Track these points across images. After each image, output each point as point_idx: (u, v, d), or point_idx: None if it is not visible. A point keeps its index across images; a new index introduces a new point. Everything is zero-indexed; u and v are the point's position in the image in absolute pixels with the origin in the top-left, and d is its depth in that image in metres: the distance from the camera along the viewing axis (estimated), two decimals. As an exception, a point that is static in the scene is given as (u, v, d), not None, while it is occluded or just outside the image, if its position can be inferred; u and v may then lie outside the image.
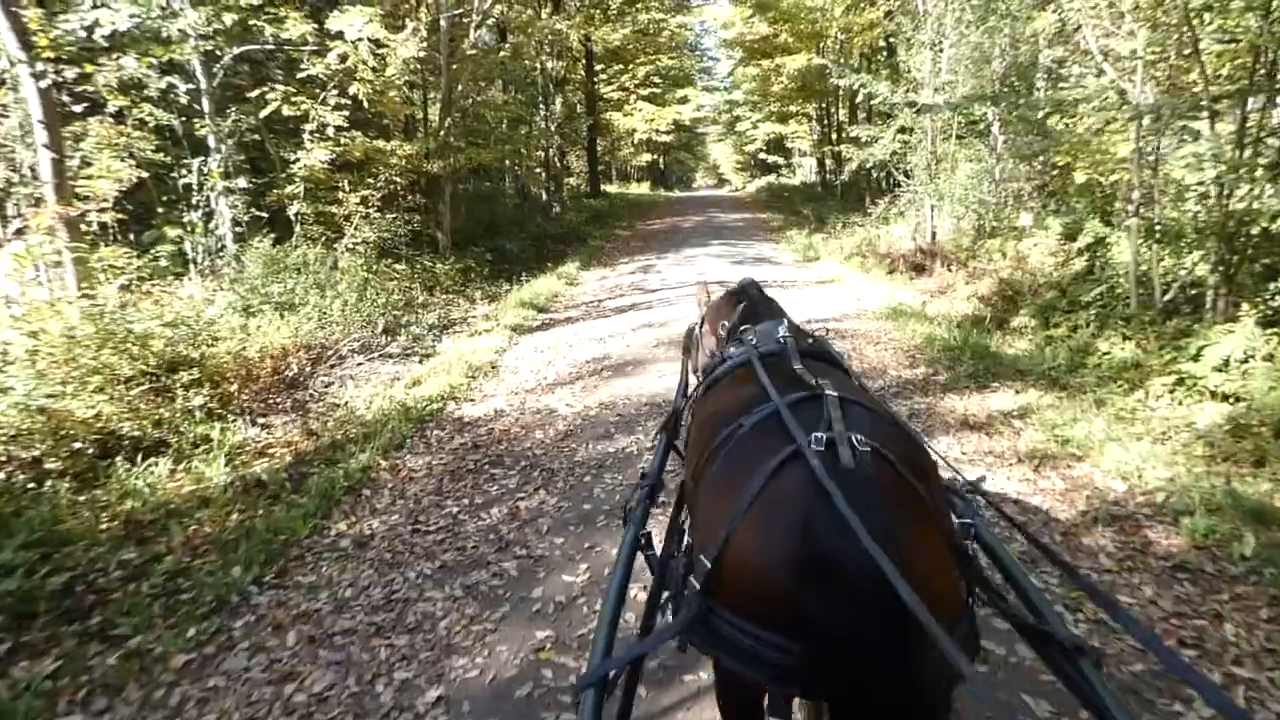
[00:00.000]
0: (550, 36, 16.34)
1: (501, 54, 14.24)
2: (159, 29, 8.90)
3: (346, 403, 6.23)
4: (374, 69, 10.04)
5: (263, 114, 9.77)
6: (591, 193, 28.31)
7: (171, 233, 7.95)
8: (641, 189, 39.53)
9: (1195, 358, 5.85)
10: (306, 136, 10.13)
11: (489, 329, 8.70)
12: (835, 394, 1.52)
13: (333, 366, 7.41)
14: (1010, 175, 14.13)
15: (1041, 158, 13.75)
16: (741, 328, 2.30)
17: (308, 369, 7.17)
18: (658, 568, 1.83)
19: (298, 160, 9.93)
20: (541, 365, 7.22)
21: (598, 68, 28.04)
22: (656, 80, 31.03)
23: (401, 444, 5.26)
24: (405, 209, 12.18)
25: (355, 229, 10.58)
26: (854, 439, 1.35)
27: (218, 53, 9.99)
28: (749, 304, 2.57)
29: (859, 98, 24.94)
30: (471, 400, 6.30)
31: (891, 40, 21.25)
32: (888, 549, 1.13)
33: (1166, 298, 7.21)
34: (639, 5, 24.72)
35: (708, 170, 67.20)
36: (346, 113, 10.41)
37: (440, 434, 5.49)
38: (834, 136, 29.07)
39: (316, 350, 7.50)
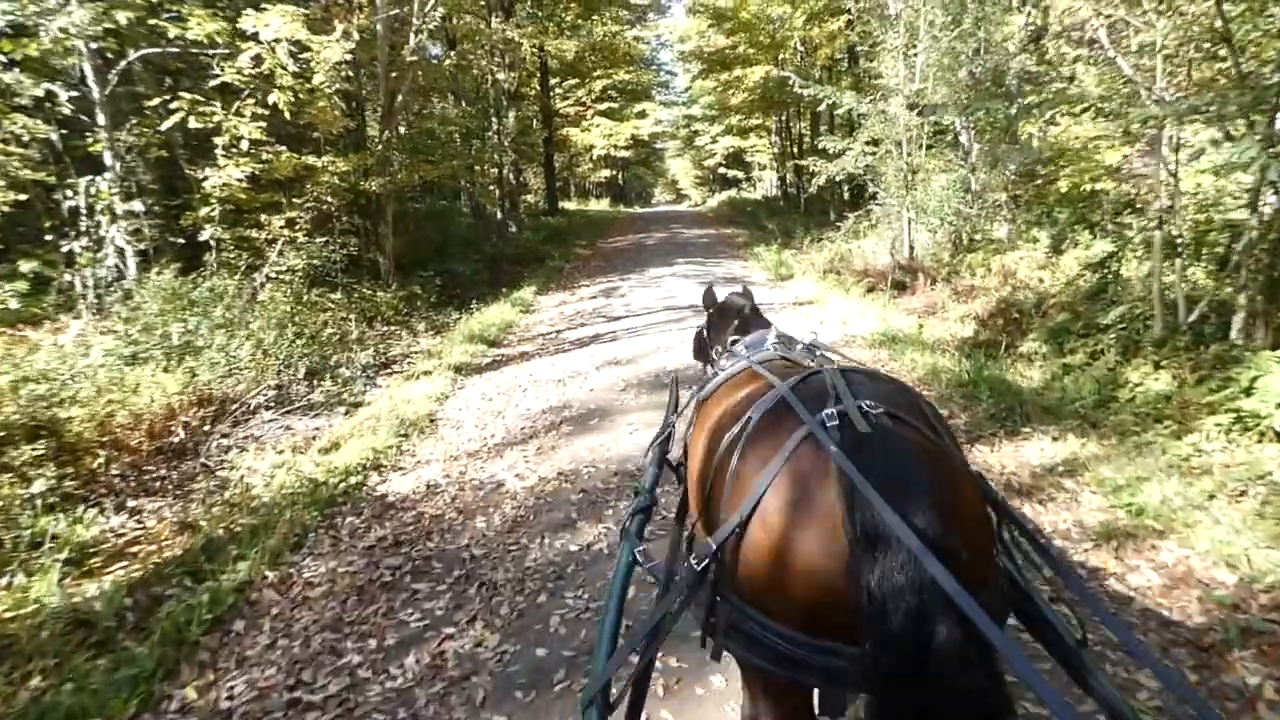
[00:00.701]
0: (501, 46, 15.20)
1: (446, 62, 13.05)
2: (35, 27, 7.57)
3: (242, 477, 4.96)
4: (296, 74, 8.80)
5: (165, 126, 8.45)
6: (550, 210, 27.16)
7: (26, 265, 6.56)
8: (601, 205, 38.50)
9: (1248, 391, 4.93)
10: (220, 151, 8.83)
11: (431, 369, 7.47)
12: (833, 366, 1.59)
13: (236, 425, 6.12)
14: (986, 185, 13.40)
15: (1013, 166, 13.08)
16: (731, 340, 2.36)
17: (204, 429, 5.88)
18: (662, 578, 1.80)
19: (208, 179, 8.60)
20: (489, 417, 6.03)
21: (553, 82, 26.97)
22: (614, 94, 30.07)
23: (301, 540, 4.03)
24: (341, 232, 10.90)
25: (279, 255, 9.27)
26: (864, 405, 1.33)
27: (109, 55, 8.67)
28: (739, 317, 2.64)
29: (822, 109, 24.31)
30: (401, 469, 5.08)
31: (856, 49, 20.60)
32: (937, 514, 1.14)
33: (1191, 319, 6.33)
34: (594, 18, 23.72)
35: (666, 186, 66.52)
36: (265, 125, 9.14)
37: (355, 522, 4.27)
38: (795, 149, 28.42)
39: (217, 405, 6.21)
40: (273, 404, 6.61)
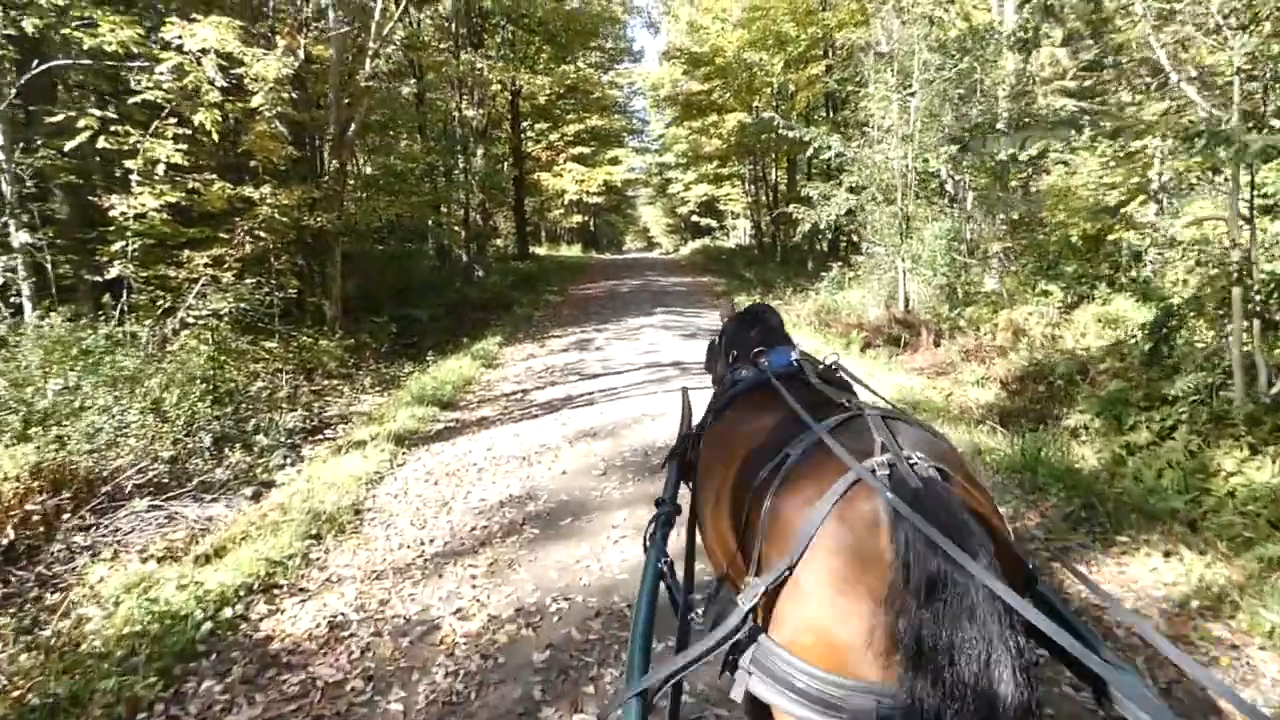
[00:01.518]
0: (470, 80, 14.14)
1: (406, 90, 11.90)
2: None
3: (69, 608, 3.53)
4: (227, 93, 7.55)
5: (70, 146, 7.11)
6: (520, 255, 26.00)
7: None
8: (573, 251, 37.49)
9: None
10: (135, 177, 7.49)
11: (368, 438, 6.10)
12: (875, 411, 1.52)
13: (103, 513, 4.68)
14: (978, 235, 12.57)
15: (1009, 215, 12.28)
16: (755, 351, 2.26)
17: (57, 521, 4.44)
18: (681, 600, 1.90)
19: (113, 207, 7.24)
20: (431, 510, 4.66)
21: (525, 125, 26.08)
22: (586, 139, 29.32)
23: (122, 732, 2.63)
24: (279, 272, 9.55)
25: (198, 297, 7.86)
26: (914, 458, 1.32)
27: (7, 65, 7.33)
28: (762, 329, 2.53)
29: (803, 155, 23.71)
30: (303, 591, 3.69)
31: (835, 95, 20.04)
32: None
33: (1275, 390, 5.28)
34: (566, 59, 22.95)
35: (637, 233, 66.10)
36: (193, 150, 7.85)
37: (214, 691, 2.87)
38: (771, 197, 27.81)
39: (79, 486, 4.77)
40: (159, 485, 5.17)
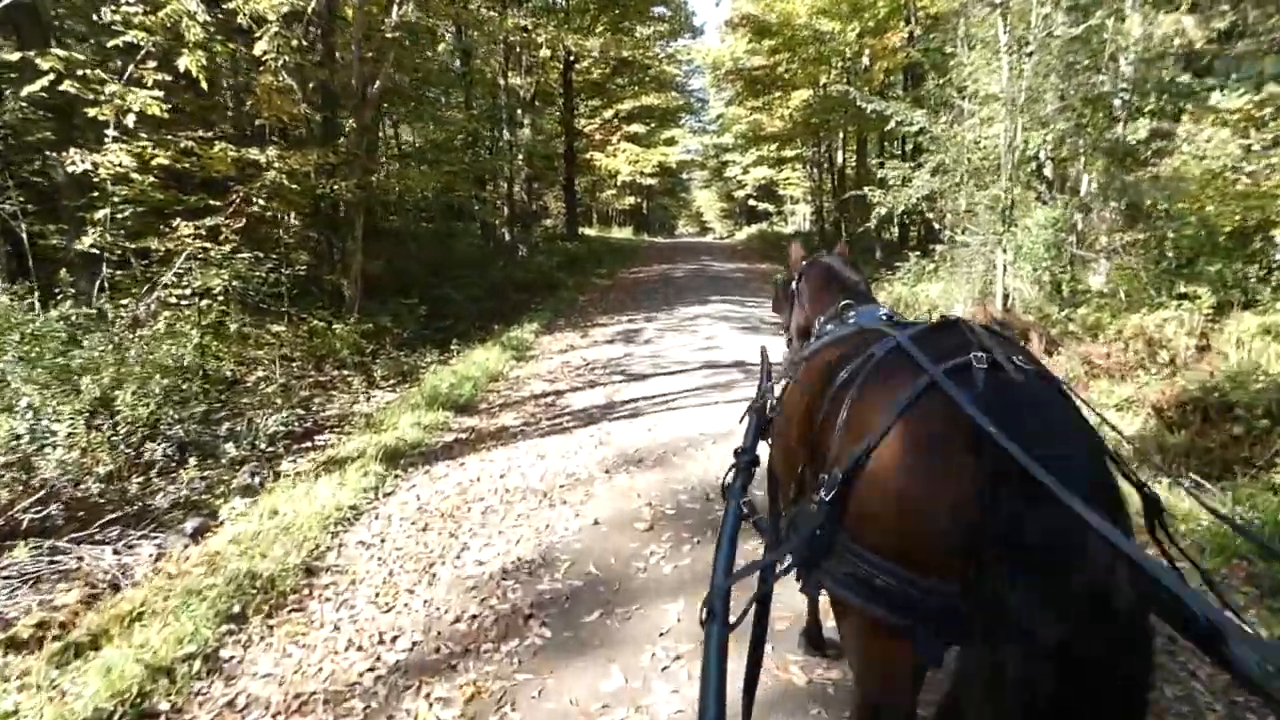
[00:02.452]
0: (516, 39, 12.75)
1: (442, 46, 10.58)
2: None
3: None
4: (207, 26, 6.31)
5: (28, 90, 5.97)
6: (569, 235, 24.66)
7: None
8: (624, 233, 36.02)
9: None
10: (111, 132, 6.33)
11: (358, 453, 4.80)
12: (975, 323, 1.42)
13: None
14: (1091, 226, 10.73)
15: (1119, 204, 10.41)
16: (844, 303, 2.16)
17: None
18: (769, 529, 1.95)
19: (74, 164, 6.07)
20: (407, 579, 3.29)
21: (577, 100, 24.64)
22: (641, 114, 27.83)
23: None
24: (288, 246, 8.38)
25: (180, 274, 6.69)
26: (1015, 359, 1.24)
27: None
28: (848, 289, 2.36)
29: (874, 136, 21.79)
30: (185, 725, 2.39)
31: (917, 67, 18.11)
32: (1093, 465, 1.09)
33: None
34: (622, 24, 21.39)
35: (690, 217, 64.40)
36: (176, 100, 6.68)
37: None
38: (835, 181, 25.90)
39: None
40: (76, 516, 3.96)
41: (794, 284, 2.70)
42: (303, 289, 9.50)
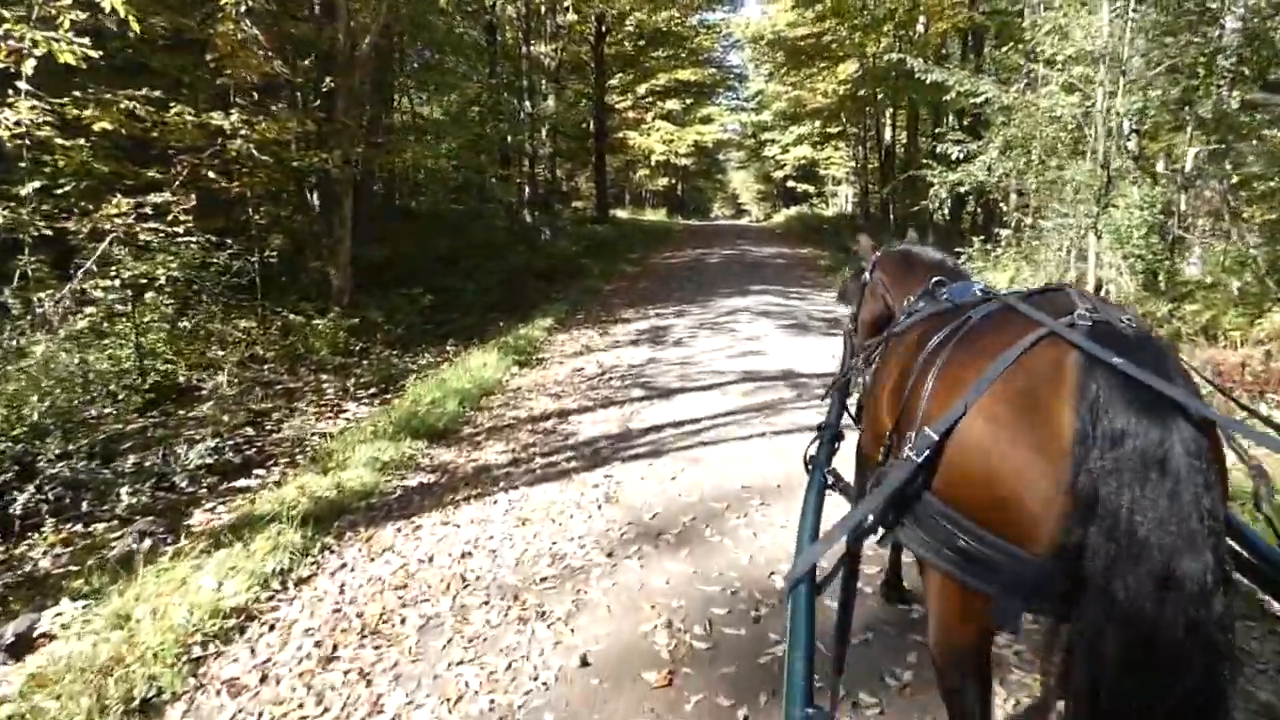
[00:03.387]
0: (542, 4, 11.29)
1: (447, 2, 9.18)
2: None
3: None
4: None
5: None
6: (599, 217, 23.21)
7: None
8: (657, 215, 34.32)
9: None
10: (23, 85, 5.09)
11: (281, 506, 3.49)
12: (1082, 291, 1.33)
13: None
14: (1192, 208, 9.10)
15: (1222, 183, 8.71)
16: (934, 281, 2.01)
17: None
18: (854, 494, 1.82)
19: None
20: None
21: (609, 74, 23.05)
22: (677, 89, 26.21)
23: None
24: (259, 228, 7.13)
25: (109, 260, 5.45)
26: (1123, 317, 1.17)
27: None
28: (944, 269, 2.21)
29: (926, 110, 19.88)
30: None
31: (980, 30, 16.26)
32: (1201, 434, 1.00)
33: None
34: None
35: (726, 200, 62.45)
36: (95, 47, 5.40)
37: None
38: (883, 159, 24.04)
39: None
40: None
41: (866, 274, 2.59)
42: (288, 279, 8.30)
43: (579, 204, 26.90)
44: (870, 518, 1.30)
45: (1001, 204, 14.11)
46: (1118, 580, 0.95)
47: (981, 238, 13.05)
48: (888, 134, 24.34)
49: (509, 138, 11.68)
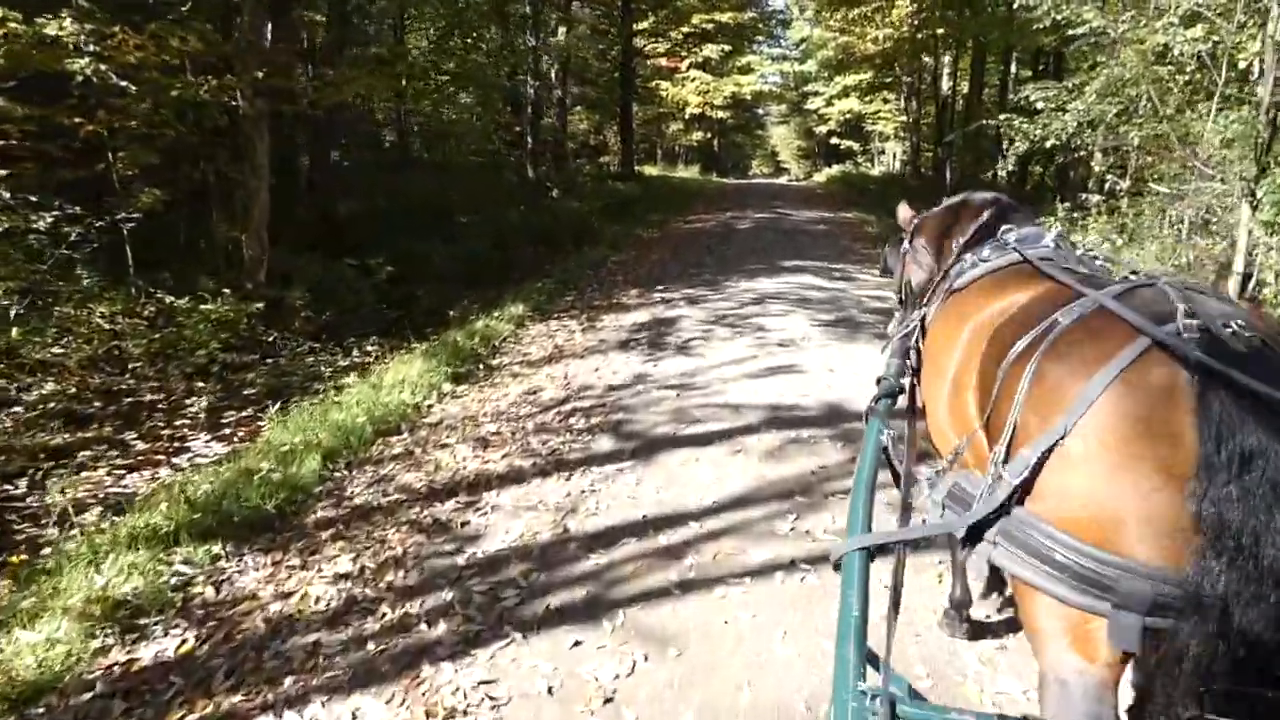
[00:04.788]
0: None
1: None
2: None
3: None
4: None
5: None
6: (624, 174, 20.92)
7: None
8: (689, 173, 31.62)
9: None
10: None
11: None
12: (1174, 280, 1.22)
13: None
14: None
15: None
16: (1003, 228, 1.88)
17: None
18: (904, 472, 1.67)
19: None
20: None
21: (638, 12, 20.44)
22: (712, 30, 23.56)
23: None
24: (123, 181, 5.25)
25: None
26: (1234, 323, 1.05)
27: None
28: (999, 209, 2.06)
29: (994, 52, 17.11)
30: None
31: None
32: None
33: None
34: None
35: (764, 157, 59.21)
36: None
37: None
38: (939, 110, 21.33)
39: None
40: None
41: (907, 242, 2.39)
42: (198, 247, 6.46)
43: (606, 159, 24.60)
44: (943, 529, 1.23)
45: (1082, 164, 11.78)
46: (1237, 609, 0.91)
47: (1066, 204, 10.84)
48: (945, 84, 21.54)
49: (503, 75, 9.54)
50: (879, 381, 2.02)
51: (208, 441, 4.01)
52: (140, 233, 5.32)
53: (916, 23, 17.11)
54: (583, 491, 3.07)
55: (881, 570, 1.68)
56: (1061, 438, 1.06)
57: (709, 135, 35.73)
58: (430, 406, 4.21)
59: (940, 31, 16.48)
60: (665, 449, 3.47)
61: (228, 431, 4.15)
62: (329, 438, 3.53)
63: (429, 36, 9.94)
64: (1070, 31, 8.20)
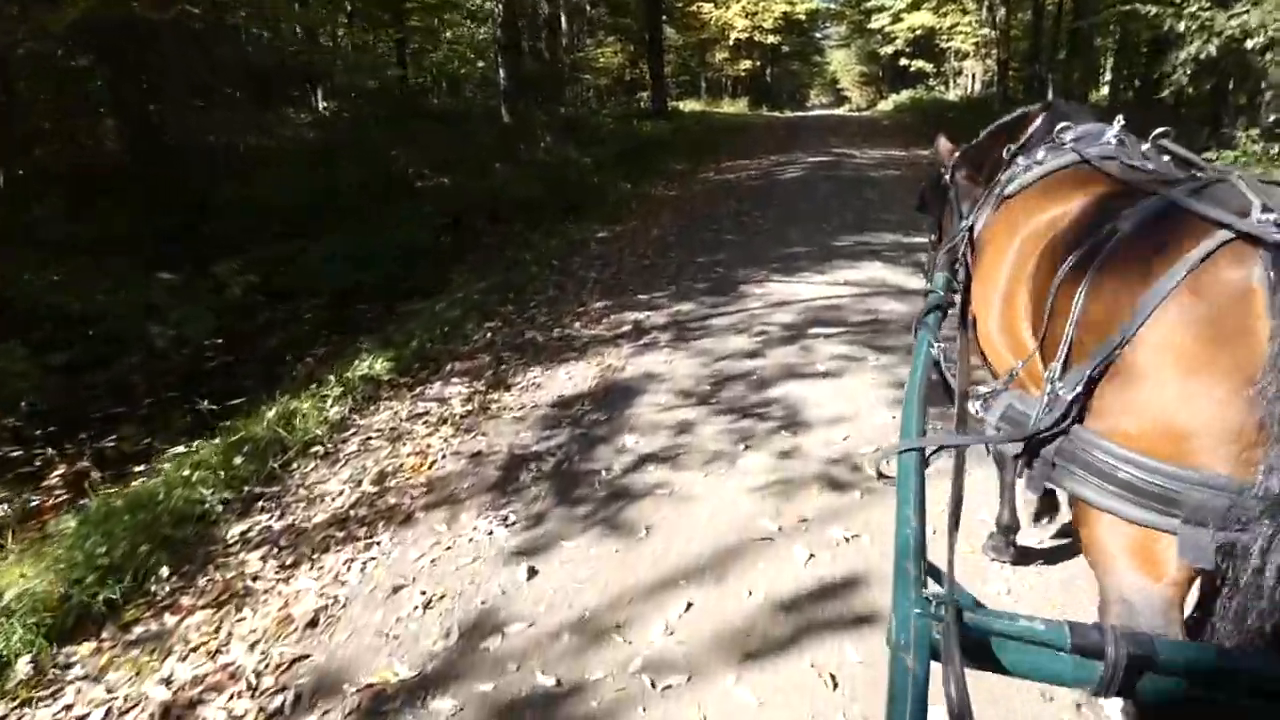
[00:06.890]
0: None
1: None
2: None
3: None
4: None
5: None
6: (656, 111, 17.61)
7: None
8: (735, 107, 27.60)
9: None
10: None
11: None
12: (1249, 176, 1.07)
13: None
14: None
15: None
16: (1061, 126, 1.62)
17: None
18: (956, 386, 1.45)
19: None
20: None
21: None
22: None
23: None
24: None
25: None
26: None
27: None
28: (1056, 111, 1.79)
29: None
30: None
31: None
32: None
33: None
34: None
35: (823, 86, 53.77)
36: None
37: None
38: (1038, 18, 17.21)
39: None
40: None
41: (945, 178, 2.20)
42: None
43: (642, 96, 21.19)
44: (1001, 440, 1.14)
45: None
46: None
47: (1255, 130, 7.63)
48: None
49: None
50: (927, 293, 1.81)
51: None
52: None
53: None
54: None
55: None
56: (1119, 347, 0.98)
57: (759, 63, 31.49)
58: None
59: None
60: None
61: None
62: None
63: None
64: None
